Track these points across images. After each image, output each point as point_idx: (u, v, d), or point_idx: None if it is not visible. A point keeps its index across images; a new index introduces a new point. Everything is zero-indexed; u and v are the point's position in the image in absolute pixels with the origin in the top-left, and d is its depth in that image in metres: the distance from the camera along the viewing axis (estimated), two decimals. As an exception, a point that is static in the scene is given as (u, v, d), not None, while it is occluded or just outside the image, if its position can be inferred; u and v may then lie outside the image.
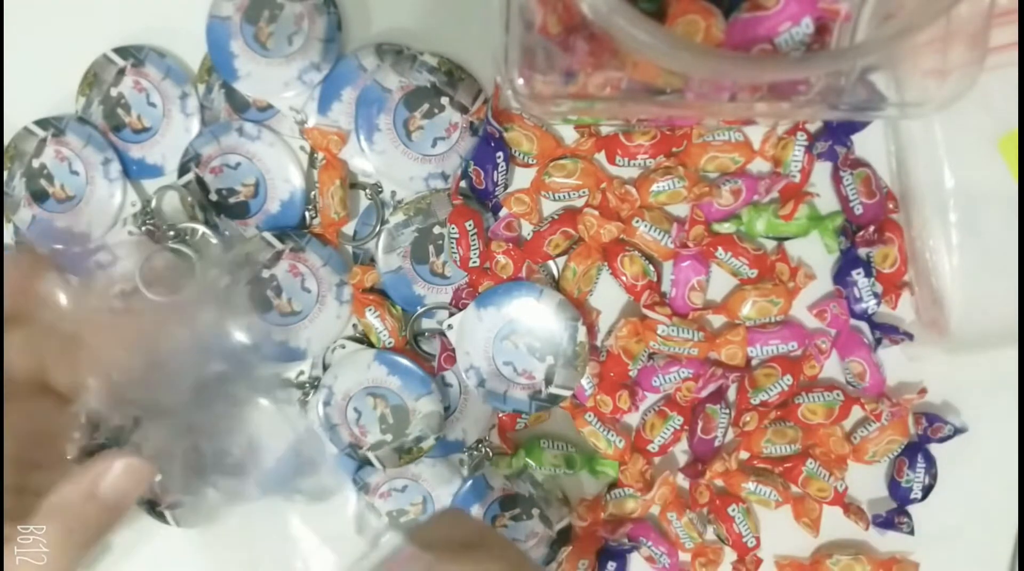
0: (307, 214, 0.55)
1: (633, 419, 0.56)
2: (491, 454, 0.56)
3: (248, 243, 0.53)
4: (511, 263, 0.53)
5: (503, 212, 0.55)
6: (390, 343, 0.55)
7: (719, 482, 0.56)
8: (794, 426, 0.55)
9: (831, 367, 0.55)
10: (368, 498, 0.55)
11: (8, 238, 0.56)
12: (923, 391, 0.55)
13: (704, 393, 0.54)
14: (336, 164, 0.53)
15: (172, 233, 0.55)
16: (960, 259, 0.51)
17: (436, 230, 0.54)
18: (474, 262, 0.53)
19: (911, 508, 0.56)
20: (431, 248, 0.54)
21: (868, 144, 0.54)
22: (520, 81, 0.41)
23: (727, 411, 0.55)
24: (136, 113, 0.54)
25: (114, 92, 0.54)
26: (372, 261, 0.55)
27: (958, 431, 0.55)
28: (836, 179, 0.54)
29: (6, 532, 0.38)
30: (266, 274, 0.53)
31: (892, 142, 0.53)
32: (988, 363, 0.54)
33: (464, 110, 0.53)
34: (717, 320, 0.56)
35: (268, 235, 0.53)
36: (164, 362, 0.40)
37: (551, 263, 0.55)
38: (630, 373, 0.54)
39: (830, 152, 0.53)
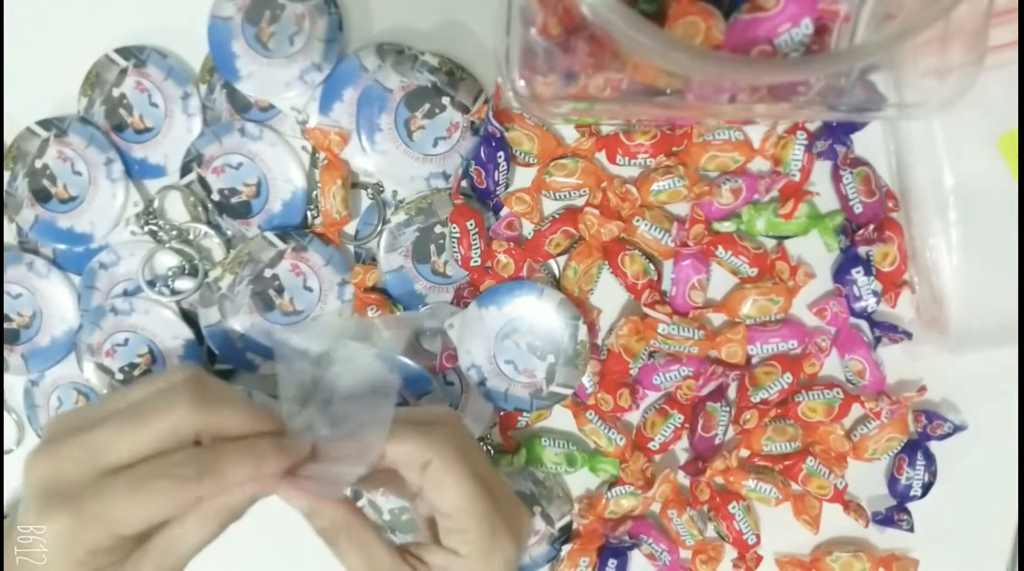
0: (309, 214, 0.55)
1: (634, 417, 0.56)
2: (492, 452, 0.56)
3: (250, 243, 0.54)
4: (512, 262, 0.54)
5: (504, 211, 0.55)
6: (392, 342, 0.55)
7: (719, 480, 0.56)
8: (794, 424, 0.55)
9: (831, 365, 0.56)
10: (369, 495, 0.55)
11: (11, 238, 0.56)
12: (923, 389, 0.55)
13: (704, 391, 0.54)
14: (338, 164, 0.53)
15: (175, 233, 0.55)
16: (960, 257, 0.51)
17: (437, 229, 0.54)
18: (475, 261, 0.53)
19: (911, 505, 0.56)
20: (432, 247, 0.54)
21: (868, 143, 0.54)
22: (521, 82, 0.41)
23: (727, 409, 0.55)
24: (138, 113, 0.54)
25: (116, 92, 0.54)
26: (374, 260, 0.55)
27: (958, 429, 0.55)
28: (836, 178, 0.54)
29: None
30: (268, 273, 0.54)
31: (892, 141, 0.54)
32: (988, 361, 0.54)
33: (465, 110, 0.53)
34: (717, 318, 0.56)
35: (270, 235, 0.54)
36: None
37: (552, 262, 0.55)
38: (631, 371, 0.55)
39: (830, 151, 0.53)
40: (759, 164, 0.54)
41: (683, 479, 0.57)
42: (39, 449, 0.39)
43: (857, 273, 0.54)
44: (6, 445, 0.57)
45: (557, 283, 0.55)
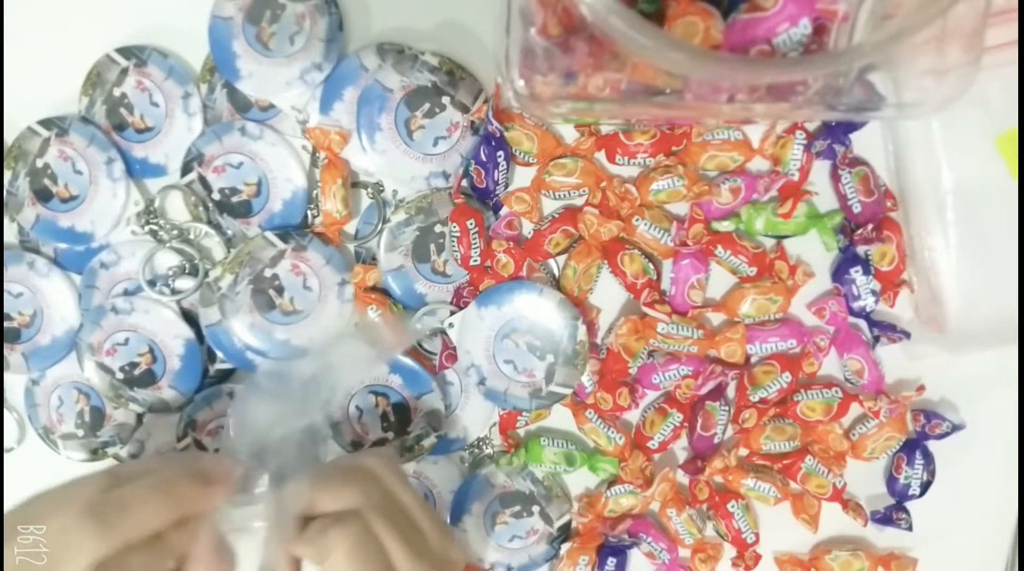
0: (309, 213, 0.55)
1: (633, 416, 0.56)
2: (492, 452, 0.56)
3: (250, 243, 0.54)
4: (512, 262, 0.54)
5: (504, 211, 0.55)
6: (392, 341, 0.55)
7: (718, 479, 0.56)
8: (793, 423, 0.55)
9: (830, 364, 0.56)
10: None
11: (12, 237, 0.56)
12: (921, 388, 0.55)
13: (704, 390, 0.54)
14: (338, 163, 0.53)
15: (175, 232, 0.55)
16: (958, 257, 0.51)
17: (437, 229, 0.54)
18: (475, 261, 0.53)
19: (909, 504, 0.56)
20: (432, 247, 0.54)
21: (866, 142, 0.54)
22: (520, 82, 0.41)
23: (726, 408, 0.55)
24: (139, 113, 0.54)
25: (117, 92, 0.54)
26: (374, 260, 0.55)
27: (956, 428, 0.55)
28: (835, 177, 0.54)
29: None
30: (268, 273, 0.54)
31: (890, 140, 0.54)
32: (986, 360, 0.54)
33: (465, 109, 0.53)
34: (717, 318, 0.56)
35: (270, 234, 0.54)
36: None
37: (551, 262, 0.55)
38: (630, 371, 0.55)
39: (829, 151, 0.53)
40: (758, 164, 0.54)
41: (682, 478, 0.57)
42: None
43: (856, 272, 0.54)
44: (6, 444, 0.58)
45: (557, 283, 0.55)
